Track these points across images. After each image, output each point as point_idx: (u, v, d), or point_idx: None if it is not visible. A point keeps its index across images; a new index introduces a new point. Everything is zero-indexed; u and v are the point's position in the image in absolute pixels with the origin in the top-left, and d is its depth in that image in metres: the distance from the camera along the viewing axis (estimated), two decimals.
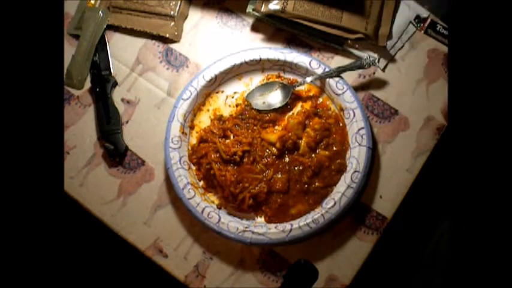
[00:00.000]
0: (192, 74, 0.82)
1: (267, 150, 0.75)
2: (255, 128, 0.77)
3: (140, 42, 0.84)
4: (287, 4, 0.79)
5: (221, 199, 0.75)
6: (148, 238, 0.77)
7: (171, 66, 0.83)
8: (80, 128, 0.82)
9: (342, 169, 0.74)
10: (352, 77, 0.80)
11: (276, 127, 0.77)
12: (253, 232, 0.72)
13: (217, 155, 0.75)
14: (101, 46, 0.84)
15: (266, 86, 0.79)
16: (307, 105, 0.78)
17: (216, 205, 0.75)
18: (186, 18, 0.85)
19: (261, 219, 0.75)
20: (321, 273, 0.74)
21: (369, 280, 0.81)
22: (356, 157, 0.73)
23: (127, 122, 0.82)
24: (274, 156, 0.75)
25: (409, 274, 1.07)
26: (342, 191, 0.72)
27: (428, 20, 0.81)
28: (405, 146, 0.77)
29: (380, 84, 0.80)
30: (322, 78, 0.77)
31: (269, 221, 0.74)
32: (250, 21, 0.84)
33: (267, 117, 0.77)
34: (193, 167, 0.77)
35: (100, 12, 0.84)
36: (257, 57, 0.78)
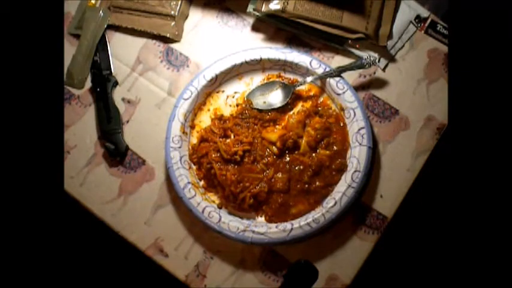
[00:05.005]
0: (192, 74, 0.82)
1: (268, 150, 0.75)
2: (255, 127, 0.77)
3: (141, 41, 0.84)
4: (287, 4, 0.79)
5: (222, 199, 0.75)
6: (148, 238, 0.77)
7: (171, 66, 0.83)
8: (81, 127, 0.82)
9: (342, 168, 0.74)
10: (352, 76, 0.80)
11: (277, 126, 0.77)
12: (253, 232, 0.72)
13: (218, 155, 0.75)
14: (102, 46, 0.84)
15: (267, 86, 0.79)
16: (308, 104, 0.78)
17: (216, 205, 0.75)
18: (186, 18, 0.85)
19: (261, 219, 0.75)
20: (321, 272, 0.74)
21: (369, 280, 0.81)
22: (356, 157, 0.73)
23: (127, 121, 0.82)
24: (274, 156, 0.75)
25: (409, 274, 1.07)
26: (343, 190, 0.72)
27: (429, 20, 0.81)
28: (405, 145, 0.77)
29: (380, 84, 0.80)
30: (323, 78, 0.77)
31: (270, 220, 0.74)
32: (251, 21, 0.84)
33: (268, 117, 0.77)
34: (194, 167, 0.77)
35: (101, 12, 0.84)
36: (258, 57, 0.78)
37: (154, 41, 0.84)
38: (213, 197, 0.76)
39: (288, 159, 0.75)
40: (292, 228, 0.71)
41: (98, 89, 0.82)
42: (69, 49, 0.84)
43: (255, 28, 0.84)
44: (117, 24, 0.84)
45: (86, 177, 0.80)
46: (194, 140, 0.78)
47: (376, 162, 0.77)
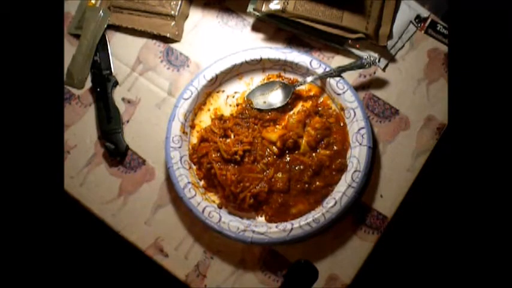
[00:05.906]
0: (192, 74, 0.82)
1: (268, 150, 0.75)
2: (255, 127, 0.77)
3: (141, 41, 0.84)
4: (288, 4, 0.79)
5: (222, 198, 0.76)
6: (149, 238, 0.77)
7: (171, 66, 0.83)
8: (81, 127, 0.82)
9: (342, 168, 0.74)
10: (352, 76, 0.80)
11: (277, 126, 0.77)
12: (253, 231, 0.72)
13: (218, 155, 0.75)
14: (102, 46, 0.84)
15: (267, 86, 0.79)
16: (308, 104, 0.78)
17: (216, 204, 0.75)
18: (186, 17, 0.85)
19: (261, 219, 0.75)
20: (321, 272, 0.74)
21: (369, 279, 0.81)
22: (357, 156, 0.73)
23: (128, 121, 0.82)
24: (274, 156, 0.75)
25: (409, 274, 1.07)
26: (343, 190, 0.72)
27: (429, 20, 0.81)
28: (405, 145, 0.77)
29: (380, 83, 0.80)
30: (323, 77, 0.77)
31: (270, 220, 0.74)
32: (251, 20, 0.84)
33: (268, 117, 0.77)
34: (194, 167, 0.77)
35: (101, 11, 0.84)
36: (258, 57, 0.78)
37: (154, 41, 0.84)
38: (213, 197, 0.76)
39: (288, 159, 0.75)
40: (292, 228, 0.71)
41: (98, 89, 0.82)
42: (69, 49, 0.84)
43: (255, 28, 0.84)
44: (117, 24, 0.84)
45: (86, 177, 0.80)
46: (194, 140, 0.78)
47: (376, 162, 0.77)
